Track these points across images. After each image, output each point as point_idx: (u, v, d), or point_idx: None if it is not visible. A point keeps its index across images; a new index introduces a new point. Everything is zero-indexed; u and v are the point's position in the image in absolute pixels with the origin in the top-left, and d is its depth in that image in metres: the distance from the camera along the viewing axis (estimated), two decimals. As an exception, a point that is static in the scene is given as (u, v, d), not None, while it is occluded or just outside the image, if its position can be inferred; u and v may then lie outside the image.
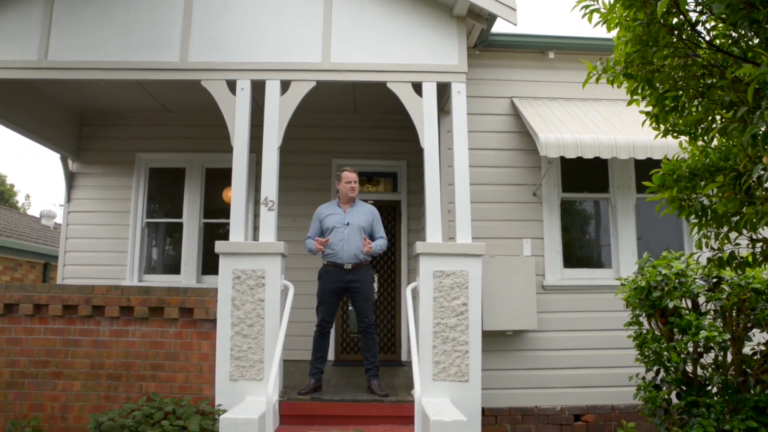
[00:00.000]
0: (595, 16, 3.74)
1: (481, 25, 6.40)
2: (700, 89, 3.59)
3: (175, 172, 8.91)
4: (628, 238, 7.07)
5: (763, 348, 4.77)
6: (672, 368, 4.93)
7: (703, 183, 3.77)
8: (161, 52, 6.20)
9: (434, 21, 6.29)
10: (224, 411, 5.10)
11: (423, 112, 6.07)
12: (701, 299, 5.02)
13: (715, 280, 4.91)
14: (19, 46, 6.20)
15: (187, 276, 8.54)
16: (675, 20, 3.36)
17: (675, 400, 4.98)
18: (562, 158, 7.02)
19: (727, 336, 4.61)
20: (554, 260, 6.92)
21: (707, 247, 4.01)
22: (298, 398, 5.45)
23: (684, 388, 4.90)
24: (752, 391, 4.57)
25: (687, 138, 3.95)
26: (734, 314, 4.82)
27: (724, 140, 3.82)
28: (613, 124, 6.70)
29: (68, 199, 8.78)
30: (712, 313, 4.94)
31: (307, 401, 5.41)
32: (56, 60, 6.18)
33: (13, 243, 14.37)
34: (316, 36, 6.22)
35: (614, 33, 3.81)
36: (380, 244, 5.94)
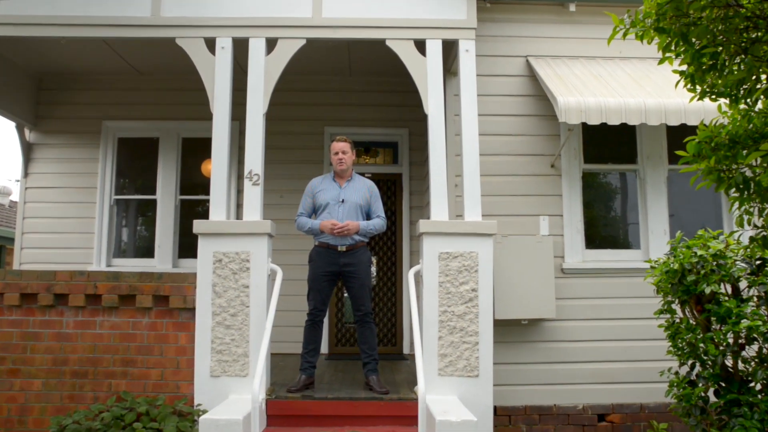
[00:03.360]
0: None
1: (493, -28, 6.34)
2: (743, 44, 3.55)
3: (147, 142, 8.88)
4: (658, 215, 7.05)
5: (811, 339, 4.76)
6: (709, 362, 4.92)
7: (745, 152, 3.75)
8: (130, 5, 6.12)
9: (439, -32, 6.22)
10: (204, 411, 5.11)
11: (427, 73, 6.01)
12: (743, 284, 5.00)
13: (758, 262, 4.88)
14: (-34, 0, 6.12)
15: (162, 260, 8.54)
16: (715, -35, 3.31)
17: (713, 398, 4.98)
18: (584, 125, 6.98)
19: (772, 325, 4.59)
20: (575, 240, 6.91)
21: (749, 224, 4.00)
22: (287, 396, 5.46)
23: (723, 385, 4.89)
24: (799, 388, 4.57)
25: (727, 100, 3.91)
26: (780, 301, 4.81)
27: (770, 103, 3.79)
28: (642, 85, 6.65)
29: (25, 174, 8.74)
30: (755, 299, 4.91)
31: (298, 399, 5.42)
32: (10, 14, 6.09)
33: (-34, 224, 14.39)
34: (305, -13, 6.16)
35: (645, -20, 3.77)
36: (377, 223, 5.90)
